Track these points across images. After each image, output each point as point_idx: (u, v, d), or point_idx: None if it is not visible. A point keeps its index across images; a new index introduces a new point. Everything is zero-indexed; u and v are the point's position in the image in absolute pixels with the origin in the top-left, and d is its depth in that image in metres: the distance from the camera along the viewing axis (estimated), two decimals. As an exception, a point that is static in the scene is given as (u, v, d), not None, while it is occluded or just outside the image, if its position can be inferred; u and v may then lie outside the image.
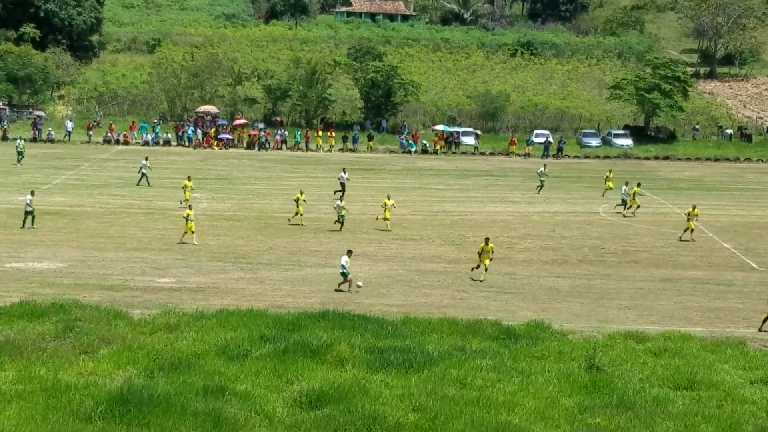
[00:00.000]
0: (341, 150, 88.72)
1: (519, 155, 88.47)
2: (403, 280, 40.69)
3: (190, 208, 48.38)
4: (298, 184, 66.44)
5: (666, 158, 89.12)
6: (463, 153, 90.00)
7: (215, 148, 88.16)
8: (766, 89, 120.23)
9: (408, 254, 46.07)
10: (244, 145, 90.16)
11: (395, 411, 23.90)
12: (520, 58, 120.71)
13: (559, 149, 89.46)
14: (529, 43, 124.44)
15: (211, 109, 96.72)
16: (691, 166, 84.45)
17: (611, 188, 62.94)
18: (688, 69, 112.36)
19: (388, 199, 52.19)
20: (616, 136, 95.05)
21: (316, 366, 27.26)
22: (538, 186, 66.87)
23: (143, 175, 65.20)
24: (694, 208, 51.41)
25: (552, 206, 60.78)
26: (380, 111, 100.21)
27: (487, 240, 41.36)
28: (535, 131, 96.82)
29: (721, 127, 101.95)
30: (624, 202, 58.76)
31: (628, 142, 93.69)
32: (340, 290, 38.27)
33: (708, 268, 44.59)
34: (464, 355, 28.89)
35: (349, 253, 39.20)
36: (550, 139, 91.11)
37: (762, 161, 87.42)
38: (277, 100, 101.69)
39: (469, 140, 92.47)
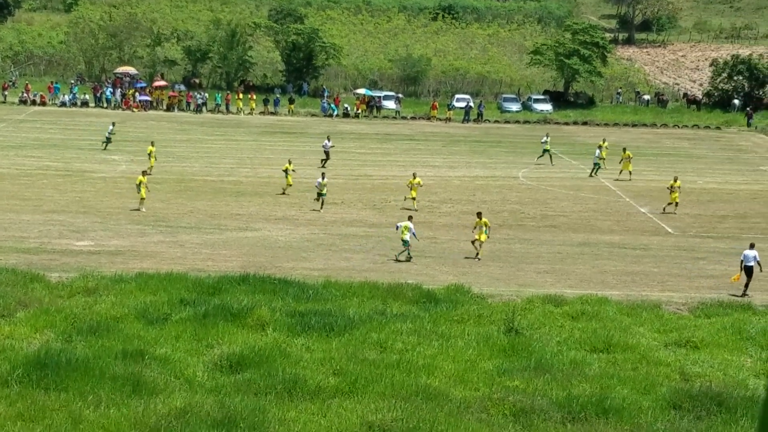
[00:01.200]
0: (262, 113, 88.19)
1: (440, 119, 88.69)
2: (324, 244, 40.70)
3: (143, 174, 47.01)
4: (219, 147, 66.02)
5: (585, 123, 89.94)
6: (384, 117, 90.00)
7: (134, 110, 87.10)
8: (682, 55, 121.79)
9: (329, 218, 46.06)
10: (164, 107, 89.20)
11: (316, 374, 23.96)
12: (441, 22, 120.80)
13: (480, 114, 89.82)
14: (450, 6, 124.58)
15: (130, 70, 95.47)
16: (610, 131, 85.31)
17: (603, 158, 61.18)
18: (607, 35, 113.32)
19: (414, 177, 49.09)
20: (536, 101, 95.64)
21: (237, 330, 27.21)
22: (538, 156, 65.40)
23: (108, 139, 63.66)
24: (675, 179, 50.25)
25: (472, 171, 61.11)
26: (301, 74, 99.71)
27: (479, 214, 40.35)
28: (456, 96, 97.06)
29: (638, 92, 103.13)
30: (596, 166, 59.25)
31: (547, 107, 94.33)
32: (400, 260, 38.32)
33: (625, 232, 45.21)
34: (385, 318, 29.03)
35: (410, 219, 39.37)
36: (471, 104, 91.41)
37: (678, 127, 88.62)
38: (197, 62, 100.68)
39: (391, 104, 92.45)
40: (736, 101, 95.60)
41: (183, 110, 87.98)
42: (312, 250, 39.64)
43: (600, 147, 61.71)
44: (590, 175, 59.21)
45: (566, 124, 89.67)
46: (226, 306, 28.77)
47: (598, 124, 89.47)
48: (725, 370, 26.45)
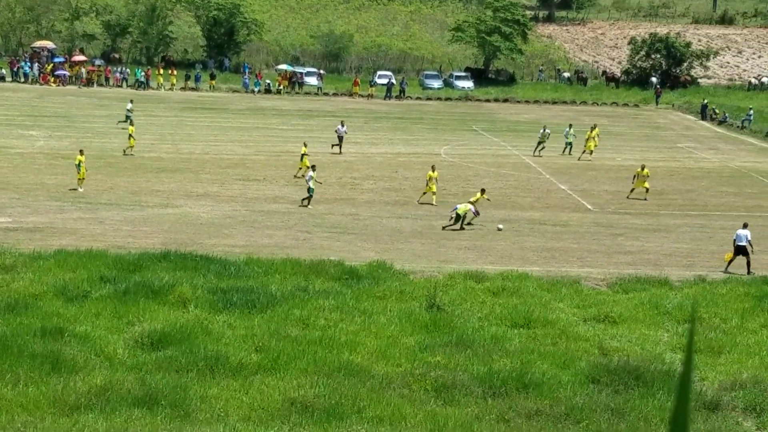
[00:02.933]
0: (183, 89, 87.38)
1: (362, 96, 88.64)
2: (246, 221, 40.55)
3: (81, 153, 46.05)
4: (139, 123, 65.34)
5: (506, 100, 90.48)
6: (306, 93, 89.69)
7: (52, 84, 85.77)
8: (601, 33, 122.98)
9: (251, 195, 45.86)
10: (83, 82, 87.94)
11: (238, 351, 23.93)
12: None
13: (402, 91, 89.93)
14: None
15: (48, 44, 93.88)
16: (530, 108, 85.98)
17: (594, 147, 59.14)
18: (528, 12, 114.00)
19: (433, 170, 46.25)
20: (458, 78, 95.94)
21: (158, 307, 27.06)
22: (537, 148, 61.13)
23: (128, 117, 62.25)
24: (643, 168, 48.83)
25: (394, 147, 61.21)
26: (223, 50, 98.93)
27: (482, 190, 42.38)
28: (378, 72, 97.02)
29: (559, 70, 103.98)
30: (569, 145, 59.40)
31: (469, 84, 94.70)
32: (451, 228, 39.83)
33: (545, 209, 45.64)
34: (307, 295, 29.06)
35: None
36: (393, 81, 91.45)
37: (597, 104, 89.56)
38: (116, 37, 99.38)
39: (313, 80, 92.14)
40: (654, 79, 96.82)
41: (102, 85, 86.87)
42: (234, 226, 39.47)
43: (571, 126, 61.59)
44: (562, 153, 59.44)
45: (487, 101, 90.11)
46: (147, 283, 28.57)
47: (518, 102, 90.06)
48: (642, 344, 26.91)
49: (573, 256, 37.15)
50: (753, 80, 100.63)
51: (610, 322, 28.70)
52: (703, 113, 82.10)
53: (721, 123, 79.09)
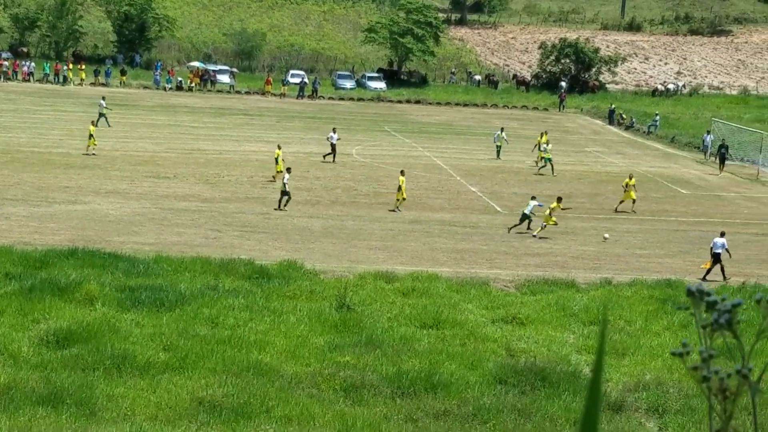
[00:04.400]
0: (93, 84, 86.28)
1: (274, 95, 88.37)
2: (156, 219, 40.20)
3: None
4: (47, 118, 64.36)
5: (418, 102, 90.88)
6: (218, 91, 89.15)
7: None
8: (512, 37, 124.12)
9: (161, 192, 45.47)
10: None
11: (146, 350, 23.75)
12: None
13: (314, 90, 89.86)
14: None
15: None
16: (442, 110, 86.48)
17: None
18: (440, 15, 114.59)
19: (402, 175, 45.44)
20: (370, 78, 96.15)
21: (64, 305, 26.73)
22: (497, 151, 61.56)
23: (101, 115, 60.84)
24: (630, 177, 48.30)
25: (306, 147, 61.10)
26: (134, 45, 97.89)
27: (559, 199, 42.04)
28: (291, 71, 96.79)
29: (470, 73, 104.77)
30: (498, 150, 59.19)
31: (381, 85, 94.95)
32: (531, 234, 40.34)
33: (455, 210, 45.94)
34: (217, 294, 28.93)
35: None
36: (306, 80, 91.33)
37: (507, 107, 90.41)
38: (24, 30, 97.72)
39: (225, 78, 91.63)
40: (563, 83, 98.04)
41: (10, 79, 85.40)
42: (143, 224, 39.11)
43: (502, 129, 61.51)
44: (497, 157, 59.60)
45: (399, 102, 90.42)
46: (54, 280, 28.20)
47: (430, 103, 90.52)
48: (549, 345, 27.26)
49: (482, 258, 37.47)
50: (659, 86, 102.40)
51: (518, 324, 29.02)
52: (611, 118, 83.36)
53: (628, 128, 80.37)
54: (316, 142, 63.25)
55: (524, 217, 41.30)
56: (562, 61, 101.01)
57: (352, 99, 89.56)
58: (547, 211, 41.27)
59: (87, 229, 37.18)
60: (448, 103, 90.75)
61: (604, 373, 24.94)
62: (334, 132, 57.24)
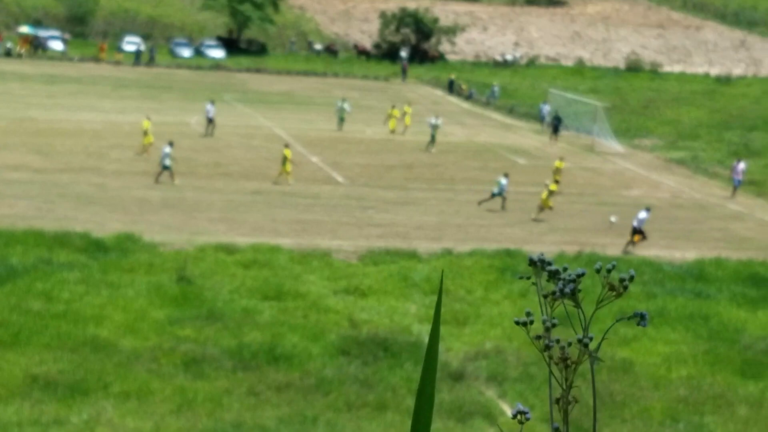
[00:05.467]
0: None
1: (109, 62, 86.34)
2: (-15, 190, 38.80)
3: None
4: None
5: (258, 71, 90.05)
6: (50, 58, 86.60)
7: None
8: (353, 6, 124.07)
9: (-10, 162, 43.91)
10: None
11: (-24, 327, 22.89)
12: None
13: (151, 58, 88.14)
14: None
15: None
16: (282, 79, 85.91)
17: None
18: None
19: (287, 147, 45.02)
20: (209, 47, 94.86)
21: None
22: (339, 123, 60.21)
23: None
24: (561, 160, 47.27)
25: (143, 116, 59.85)
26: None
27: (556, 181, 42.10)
28: (126, 38, 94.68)
29: (310, 42, 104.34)
30: (433, 138, 56.55)
31: (220, 53, 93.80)
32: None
33: (297, 181, 45.63)
34: (50, 267, 28.11)
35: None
36: (142, 48, 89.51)
37: (348, 77, 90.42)
38: None
39: (56, 45, 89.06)
40: (404, 53, 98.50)
41: None
42: (-28, 196, 37.70)
43: (344, 100, 60.82)
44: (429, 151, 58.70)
45: (239, 71, 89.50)
46: None
47: (270, 73, 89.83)
48: (391, 316, 27.33)
49: (324, 229, 37.32)
50: (498, 57, 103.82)
51: (360, 295, 29.03)
52: (451, 88, 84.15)
53: (467, 98, 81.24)
54: (153, 112, 62.07)
55: (495, 194, 41.41)
56: (402, 30, 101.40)
57: (190, 67, 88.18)
58: (545, 193, 41.22)
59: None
60: (288, 73, 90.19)
61: (442, 341, 25.13)
62: (212, 104, 56.16)
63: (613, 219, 39.31)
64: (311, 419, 21.08)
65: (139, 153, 47.93)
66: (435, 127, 55.70)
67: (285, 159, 44.43)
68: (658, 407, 22.73)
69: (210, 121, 55.25)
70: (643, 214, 37.32)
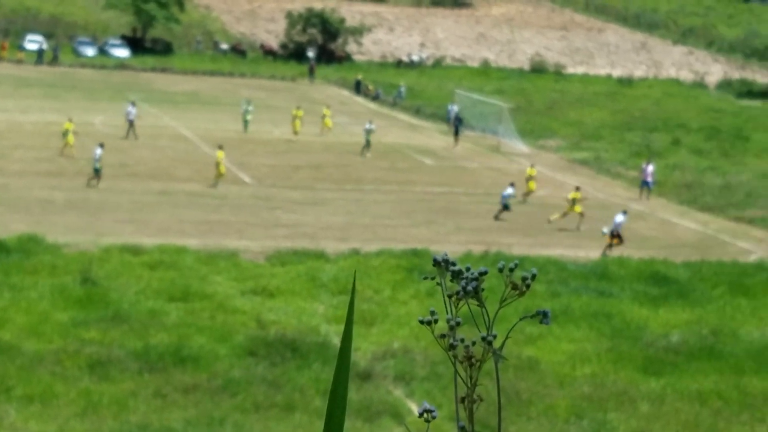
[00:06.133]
0: None
1: (11, 61, 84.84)
2: None
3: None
4: None
5: (163, 70, 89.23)
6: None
7: None
8: (258, 6, 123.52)
9: None
10: None
11: None
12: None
13: (54, 57, 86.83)
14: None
15: None
16: (188, 79, 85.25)
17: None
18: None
19: (220, 149, 44.69)
20: (113, 46, 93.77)
21: None
22: (245, 125, 59.85)
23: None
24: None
25: (47, 116, 58.98)
26: None
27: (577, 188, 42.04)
28: (28, 36, 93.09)
29: (216, 41, 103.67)
30: (368, 143, 55.18)
31: (125, 52, 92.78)
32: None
33: (204, 181, 45.33)
34: (-49, 270, 27.58)
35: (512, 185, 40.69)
36: (44, 46, 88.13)
37: (255, 77, 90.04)
38: None
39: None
40: (311, 53, 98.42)
41: None
42: None
43: (249, 102, 60.26)
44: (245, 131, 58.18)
45: (144, 70, 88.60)
46: None
47: (176, 72, 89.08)
48: (299, 316, 27.33)
49: (231, 229, 37.16)
50: (404, 58, 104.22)
51: (268, 295, 28.98)
52: (358, 89, 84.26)
53: (374, 99, 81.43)
54: (56, 111, 61.16)
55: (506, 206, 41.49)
56: (309, 30, 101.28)
57: (94, 67, 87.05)
58: (571, 200, 41.56)
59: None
60: (194, 72, 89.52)
61: (353, 342, 25.24)
62: (133, 106, 55.38)
63: (605, 230, 39.50)
64: (218, 421, 21.00)
65: (64, 155, 47.14)
66: (369, 132, 55.23)
67: (218, 162, 44.03)
68: (562, 405, 23.06)
69: (131, 123, 54.46)
70: (620, 218, 37.96)
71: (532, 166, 47.91)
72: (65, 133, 47.69)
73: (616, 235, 37.74)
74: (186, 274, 29.73)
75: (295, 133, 58.23)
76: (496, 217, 41.44)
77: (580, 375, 24.91)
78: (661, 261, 35.87)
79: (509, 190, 42.00)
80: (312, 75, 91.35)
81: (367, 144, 54.85)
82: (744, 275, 34.34)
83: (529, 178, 46.29)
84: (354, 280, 1.97)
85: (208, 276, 30.06)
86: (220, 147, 45.02)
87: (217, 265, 31.48)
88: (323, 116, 61.17)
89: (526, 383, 23.86)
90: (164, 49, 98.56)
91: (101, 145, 42.97)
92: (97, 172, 42.11)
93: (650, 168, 48.69)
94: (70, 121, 48.63)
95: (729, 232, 39.73)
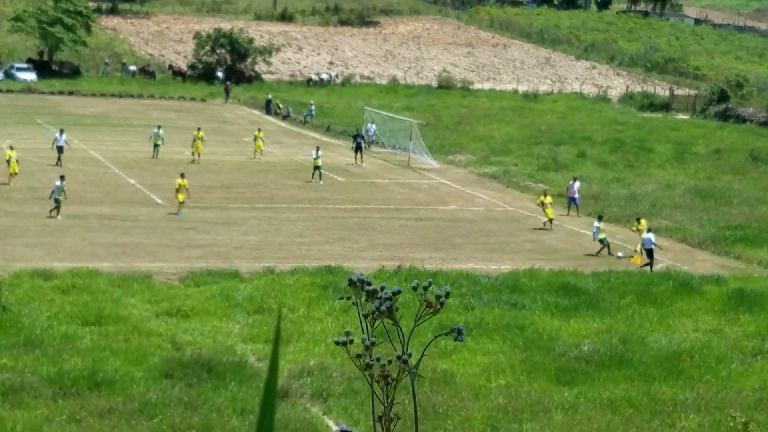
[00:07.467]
0: None
1: None
2: None
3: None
4: None
5: (71, 93, 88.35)
6: None
7: None
8: (166, 27, 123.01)
9: None
10: None
11: None
12: None
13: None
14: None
15: None
16: (97, 101, 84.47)
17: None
18: (91, 4, 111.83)
19: (182, 177, 44.44)
20: (19, 69, 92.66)
21: None
22: (154, 151, 58.80)
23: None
24: (545, 195, 46.28)
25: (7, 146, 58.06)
26: None
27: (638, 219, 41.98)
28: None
29: (124, 63, 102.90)
30: (317, 168, 53.91)
31: (31, 76, 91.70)
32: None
33: (114, 204, 45.05)
34: None
35: (600, 218, 40.69)
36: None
37: (165, 98, 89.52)
38: None
39: None
40: (220, 74, 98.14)
41: None
42: None
43: (159, 127, 59.57)
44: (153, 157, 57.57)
45: (52, 93, 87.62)
46: None
47: (84, 95, 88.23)
48: (215, 336, 27.34)
49: (144, 251, 36.98)
50: (313, 76, 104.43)
51: (183, 316, 28.93)
52: (268, 108, 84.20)
53: (285, 117, 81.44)
54: (-38, 136, 60.30)
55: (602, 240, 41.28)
56: (218, 51, 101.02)
57: (0, 91, 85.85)
58: (540, 204, 43.32)
59: None
60: (103, 95, 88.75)
61: (268, 360, 25.30)
62: (62, 133, 54.77)
63: (620, 254, 40.62)
64: (136, 444, 20.92)
65: (8, 183, 46.98)
66: (316, 160, 54.26)
67: (180, 187, 43.74)
68: (478, 416, 23.35)
69: (60, 150, 53.81)
70: (648, 235, 39.02)
71: (545, 194, 46.57)
72: (8, 161, 47.44)
73: (646, 252, 39.02)
74: (99, 298, 29.54)
75: (196, 154, 57.58)
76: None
77: (495, 387, 25.25)
78: (571, 272, 36.46)
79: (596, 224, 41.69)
80: (228, 96, 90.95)
81: (316, 170, 53.83)
82: (651, 284, 35.09)
83: (542, 205, 45.55)
84: (279, 314, 2.09)
85: (122, 299, 29.91)
86: (182, 175, 44.74)
87: (130, 287, 31.34)
88: (255, 138, 60.68)
89: (442, 396, 24.13)
90: (72, 71, 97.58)
91: (62, 177, 42.51)
92: (57, 203, 41.41)
93: (577, 184, 49.18)
94: (12, 148, 48.69)
95: (635, 241, 40.51)
